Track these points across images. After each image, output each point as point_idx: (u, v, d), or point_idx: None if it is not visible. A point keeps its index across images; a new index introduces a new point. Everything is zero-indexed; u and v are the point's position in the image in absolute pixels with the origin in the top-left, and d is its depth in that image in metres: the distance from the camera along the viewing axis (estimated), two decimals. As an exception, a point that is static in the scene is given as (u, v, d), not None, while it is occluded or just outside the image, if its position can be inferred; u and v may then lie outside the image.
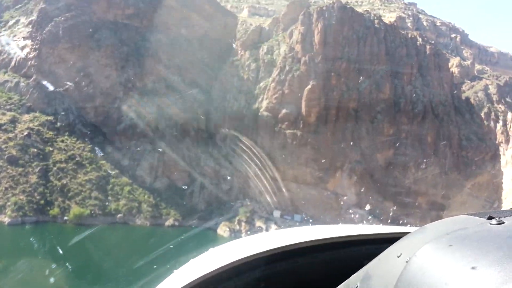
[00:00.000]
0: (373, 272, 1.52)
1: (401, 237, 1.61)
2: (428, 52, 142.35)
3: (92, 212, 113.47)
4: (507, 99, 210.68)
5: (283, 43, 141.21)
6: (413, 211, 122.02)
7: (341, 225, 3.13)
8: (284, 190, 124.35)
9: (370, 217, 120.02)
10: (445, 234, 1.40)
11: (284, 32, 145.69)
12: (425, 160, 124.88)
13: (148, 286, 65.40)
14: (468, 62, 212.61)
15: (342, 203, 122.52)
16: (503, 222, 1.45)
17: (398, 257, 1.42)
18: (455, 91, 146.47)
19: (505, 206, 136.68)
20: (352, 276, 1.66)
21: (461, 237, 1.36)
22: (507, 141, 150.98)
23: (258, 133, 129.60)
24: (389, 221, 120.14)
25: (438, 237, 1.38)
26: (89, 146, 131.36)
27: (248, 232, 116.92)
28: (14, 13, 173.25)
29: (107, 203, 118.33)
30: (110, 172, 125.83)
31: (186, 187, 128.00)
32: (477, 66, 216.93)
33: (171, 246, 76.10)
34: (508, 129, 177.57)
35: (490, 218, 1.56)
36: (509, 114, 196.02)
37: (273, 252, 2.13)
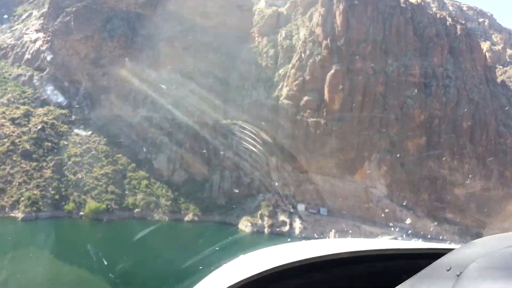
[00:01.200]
0: (420, 285, 1.50)
1: (438, 254, 1.60)
2: (459, 33, 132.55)
3: (109, 206, 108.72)
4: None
5: (303, 27, 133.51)
6: (450, 204, 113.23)
7: (377, 239, 2.38)
8: (308, 182, 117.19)
9: (401, 209, 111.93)
10: (496, 250, 1.38)
11: (303, 16, 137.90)
12: (461, 149, 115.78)
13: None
14: (499, 46, 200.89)
15: (371, 195, 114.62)
16: None
17: (448, 271, 1.40)
18: (489, 74, 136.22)
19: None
20: (398, 286, 1.61)
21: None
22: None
23: (279, 122, 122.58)
24: (424, 214, 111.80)
25: (489, 253, 1.36)
26: (105, 139, 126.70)
27: (270, 229, 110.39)
28: (27, 7, 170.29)
29: (124, 198, 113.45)
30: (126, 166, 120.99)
31: (205, 181, 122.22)
32: (509, 51, 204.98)
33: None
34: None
35: None
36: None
37: (307, 262, 2.04)
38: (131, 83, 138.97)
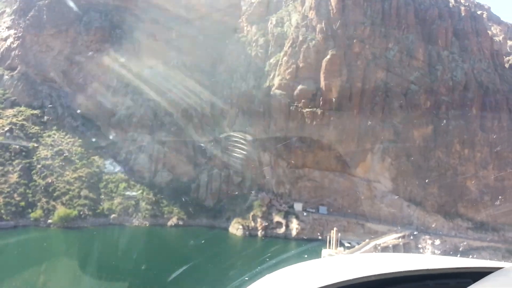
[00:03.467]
0: None
1: (470, 273, 1.51)
2: (463, 14, 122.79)
3: (81, 213, 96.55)
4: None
5: (295, 13, 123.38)
6: (462, 197, 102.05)
7: (405, 255, 2.74)
8: (305, 178, 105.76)
9: (409, 204, 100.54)
10: None
11: (294, 1, 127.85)
12: (471, 136, 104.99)
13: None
14: (500, 37, 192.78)
15: (375, 190, 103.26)
16: None
17: None
18: (497, 59, 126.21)
19: None
20: None
21: None
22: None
23: (271, 114, 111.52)
24: (433, 209, 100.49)
25: None
26: (80, 140, 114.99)
27: (264, 231, 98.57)
28: (1, 5, 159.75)
29: (99, 203, 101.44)
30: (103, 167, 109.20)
31: (191, 181, 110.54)
32: (509, 42, 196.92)
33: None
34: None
35: None
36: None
37: (336, 286, 1.97)
38: (110, 80, 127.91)
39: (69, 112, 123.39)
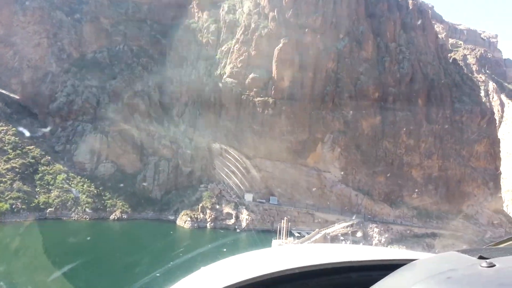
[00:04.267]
0: None
1: (394, 265, 1.57)
2: (411, 7, 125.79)
3: (13, 206, 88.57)
4: (487, 70, 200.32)
5: (247, 0, 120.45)
6: (407, 186, 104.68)
7: (333, 246, 2.90)
8: (256, 169, 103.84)
9: (357, 193, 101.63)
10: (434, 275, 1.35)
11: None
12: (417, 127, 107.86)
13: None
14: (442, 35, 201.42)
15: (325, 180, 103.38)
16: (494, 265, 1.41)
17: None
18: (441, 52, 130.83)
19: (505, 177, 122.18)
20: None
21: (451, 280, 1.32)
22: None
23: (222, 103, 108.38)
24: (381, 198, 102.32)
25: (427, 278, 1.34)
26: (14, 129, 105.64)
27: (213, 223, 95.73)
28: None
29: (34, 196, 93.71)
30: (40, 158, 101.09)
31: (137, 173, 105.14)
32: (451, 40, 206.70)
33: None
34: (490, 99, 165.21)
35: (481, 257, 1.50)
36: (490, 84, 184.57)
37: (259, 279, 2.01)
38: (48, 65, 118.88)
39: (2, 98, 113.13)
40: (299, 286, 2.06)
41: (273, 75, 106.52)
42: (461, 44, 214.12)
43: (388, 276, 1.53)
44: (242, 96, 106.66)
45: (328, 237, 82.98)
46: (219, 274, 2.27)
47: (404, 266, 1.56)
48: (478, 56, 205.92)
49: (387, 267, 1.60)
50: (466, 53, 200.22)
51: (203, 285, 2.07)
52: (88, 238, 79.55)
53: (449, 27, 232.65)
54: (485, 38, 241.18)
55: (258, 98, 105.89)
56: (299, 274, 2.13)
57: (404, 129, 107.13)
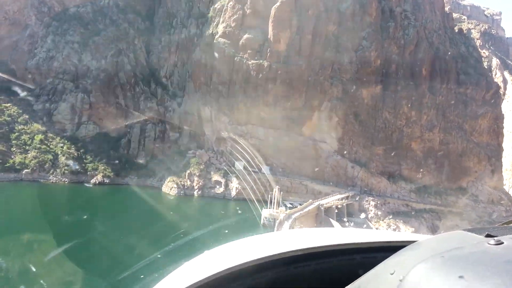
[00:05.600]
0: (365, 287, 1.46)
1: (398, 247, 1.56)
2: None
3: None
4: (490, 47, 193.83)
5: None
6: (406, 159, 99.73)
7: (335, 229, 2.96)
8: (248, 136, 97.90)
9: (354, 165, 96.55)
10: (440, 253, 1.32)
11: None
12: (419, 98, 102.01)
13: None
14: (446, 8, 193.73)
15: (320, 150, 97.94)
16: (502, 243, 1.36)
17: (392, 274, 1.33)
18: (447, 21, 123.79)
19: (504, 156, 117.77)
20: None
21: (457, 257, 1.28)
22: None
23: (214, 65, 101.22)
24: (378, 171, 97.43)
25: (432, 256, 1.30)
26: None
27: (201, 190, 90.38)
28: None
29: (9, 156, 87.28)
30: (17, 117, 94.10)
31: (121, 136, 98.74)
32: (454, 15, 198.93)
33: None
34: (493, 75, 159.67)
35: (488, 236, 1.46)
36: (493, 60, 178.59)
37: (263, 261, 2.08)
38: (28, 18, 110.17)
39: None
40: (302, 268, 2.11)
41: (269, 37, 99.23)
42: (464, 19, 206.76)
43: (393, 255, 1.49)
44: (235, 58, 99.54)
45: (322, 208, 78.13)
46: (223, 257, 2.24)
47: (409, 245, 1.53)
48: (482, 31, 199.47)
49: (392, 249, 1.57)
50: (470, 27, 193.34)
51: (208, 267, 2.09)
52: (76, 199, 73.13)
53: (452, 1, 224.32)
54: (489, 15, 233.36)
55: (252, 61, 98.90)
56: (302, 256, 2.13)
57: (406, 99, 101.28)
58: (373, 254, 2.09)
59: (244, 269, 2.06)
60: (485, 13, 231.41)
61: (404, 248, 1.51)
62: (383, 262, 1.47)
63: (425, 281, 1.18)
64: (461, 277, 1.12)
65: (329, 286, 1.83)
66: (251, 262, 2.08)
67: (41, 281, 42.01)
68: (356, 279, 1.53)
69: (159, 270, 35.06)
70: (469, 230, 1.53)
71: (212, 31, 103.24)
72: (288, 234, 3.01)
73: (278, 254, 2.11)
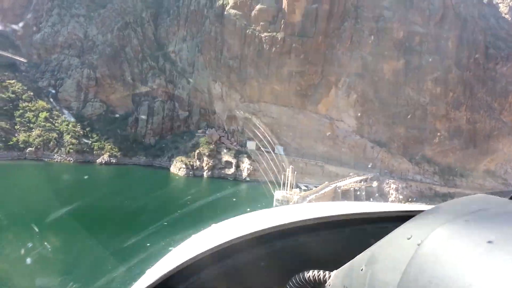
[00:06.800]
0: (379, 254, 1.37)
1: (411, 216, 1.46)
2: None
3: (-12, 144, 79.59)
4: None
5: None
6: (430, 140, 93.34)
7: (346, 202, 2.99)
8: (261, 114, 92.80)
9: (373, 145, 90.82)
10: (463, 215, 1.22)
11: None
12: (445, 73, 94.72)
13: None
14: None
15: (337, 130, 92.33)
16: None
17: (408, 239, 1.25)
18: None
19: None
20: (357, 257, 1.52)
21: (480, 218, 1.19)
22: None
23: (224, 38, 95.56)
24: (399, 152, 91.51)
25: (453, 219, 1.21)
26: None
27: (210, 171, 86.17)
28: None
29: (13, 134, 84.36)
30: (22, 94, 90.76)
31: (129, 114, 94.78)
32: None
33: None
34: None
35: None
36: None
37: (271, 230, 2.10)
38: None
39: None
40: (312, 237, 2.11)
41: (283, 7, 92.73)
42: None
43: (410, 220, 1.39)
44: (247, 31, 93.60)
45: (339, 190, 73.25)
46: (231, 229, 2.23)
47: (427, 210, 1.43)
48: (510, 6, 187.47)
49: (405, 218, 1.46)
50: (499, 1, 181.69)
51: (217, 238, 2.11)
52: (84, 178, 70.02)
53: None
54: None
55: (265, 34, 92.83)
56: (312, 225, 2.11)
57: (430, 75, 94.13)
58: (385, 224, 2.00)
59: (253, 239, 2.06)
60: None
61: (422, 212, 1.42)
62: (398, 228, 1.39)
63: (447, 245, 1.10)
64: (489, 240, 1.05)
65: (340, 256, 1.75)
66: (260, 232, 2.07)
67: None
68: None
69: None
70: (491, 193, 1.45)
71: (223, 2, 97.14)
72: (299, 207, 2.84)
73: (287, 223, 2.10)
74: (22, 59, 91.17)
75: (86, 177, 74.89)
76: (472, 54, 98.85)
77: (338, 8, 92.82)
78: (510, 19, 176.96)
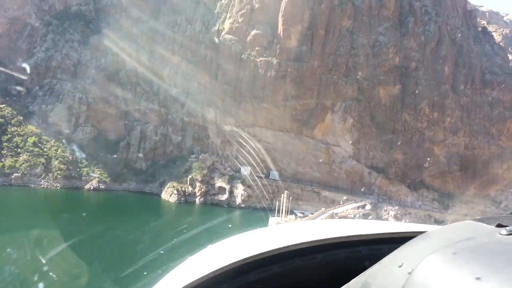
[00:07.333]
0: (372, 281, 1.37)
1: (405, 238, 1.51)
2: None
3: (-28, 170, 76.85)
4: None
5: None
6: (428, 165, 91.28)
7: (342, 220, 2.96)
8: (255, 139, 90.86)
9: (370, 171, 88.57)
10: (451, 244, 1.23)
11: None
12: (442, 98, 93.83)
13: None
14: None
15: (333, 155, 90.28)
16: None
17: (400, 267, 1.26)
18: (470, 19, 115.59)
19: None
20: (351, 281, 1.52)
21: (468, 248, 1.19)
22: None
23: (219, 63, 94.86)
24: (398, 178, 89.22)
25: (442, 247, 1.21)
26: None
27: (203, 197, 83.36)
28: None
29: (1, 159, 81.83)
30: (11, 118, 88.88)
31: (121, 139, 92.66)
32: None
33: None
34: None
35: (499, 226, 1.37)
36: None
37: (267, 254, 2.07)
38: (27, 16, 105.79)
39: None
40: (308, 260, 2.08)
41: (278, 32, 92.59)
42: (484, 23, 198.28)
43: (400, 247, 1.42)
44: (242, 56, 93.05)
45: (336, 217, 70.34)
46: (227, 251, 2.24)
47: (418, 236, 1.45)
48: (503, 34, 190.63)
49: (399, 240, 1.52)
50: (492, 30, 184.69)
51: (212, 262, 2.07)
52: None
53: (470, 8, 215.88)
54: (508, 21, 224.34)
55: (261, 58, 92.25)
56: (308, 248, 2.10)
57: (427, 100, 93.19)
58: (380, 246, 2.01)
59: (249, 263, 2.03)
60: (504, 19, 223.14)
61: (413, 239, 1.43)
62: (390, 254, 1.40)
63: (436, 274, 1.10)
64: (473, 269, 1.05)
65: (335, 279, 1.73)
66: (256, 256, 2.04)
67: None
68: (362, 271, 1.47)
69: None
70: (478, 220, 1.46)
71: (219, 28, 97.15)
72: (294, 227, 2.88)
73: (284, 247, 2.07)
74: (23, 77, 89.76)
75: (65, 204, 72.20)
76: (469, 79, 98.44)
77: (333, 33, 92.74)
78: (504, 46, 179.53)
